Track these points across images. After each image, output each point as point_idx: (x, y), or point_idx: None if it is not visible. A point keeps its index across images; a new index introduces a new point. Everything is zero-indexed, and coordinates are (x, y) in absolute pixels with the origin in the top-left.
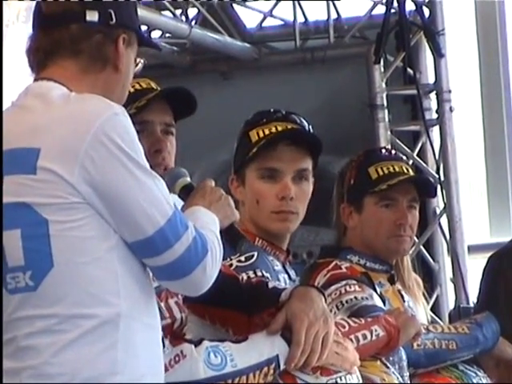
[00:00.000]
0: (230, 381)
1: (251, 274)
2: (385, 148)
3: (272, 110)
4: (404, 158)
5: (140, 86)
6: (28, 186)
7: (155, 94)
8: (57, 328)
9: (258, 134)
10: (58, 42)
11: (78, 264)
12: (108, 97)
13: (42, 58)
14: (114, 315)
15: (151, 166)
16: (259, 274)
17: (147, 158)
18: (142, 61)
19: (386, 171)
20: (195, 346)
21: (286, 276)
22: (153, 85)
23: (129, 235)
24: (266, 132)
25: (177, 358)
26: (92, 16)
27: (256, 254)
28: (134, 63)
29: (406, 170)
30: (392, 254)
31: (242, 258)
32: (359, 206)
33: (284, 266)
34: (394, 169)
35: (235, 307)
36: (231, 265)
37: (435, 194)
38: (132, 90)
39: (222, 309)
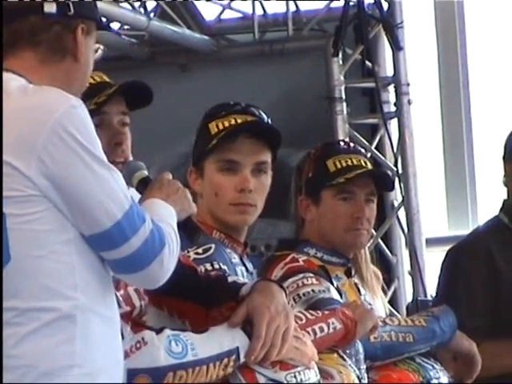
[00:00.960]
0: (190, 369)
1: (208, 266)
2: (343, 141)
3: (231, 102)
4: (362, 150)
5: (94, 80)
6: None
7: (115, 89)
8: (15, 320)
9: (217, 126)
10: (16, 34)
11: (34, 257)
12: (69, 86)
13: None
14: (71, 308)
15: (111, 159)
16: (216, 266)
17: (106, 151)
18: (102, 47)
19: (344, 164)
20: (156, 334)
21: (243, 269)
22: (106, 78)
23: (86, 228)
24: (226, 124)
25: (138, 345)
26: (50, 7)
27: (213, 246)
28: (94, 50)
29: (364, 164)
30: (349, 248)
31: (200, 251)
32: (317, 198)
33: (241, 259)
34: (352, 162)
35: (193, 299)
36: (188, 257)
37: (393, 188)
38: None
39: (179, 300)
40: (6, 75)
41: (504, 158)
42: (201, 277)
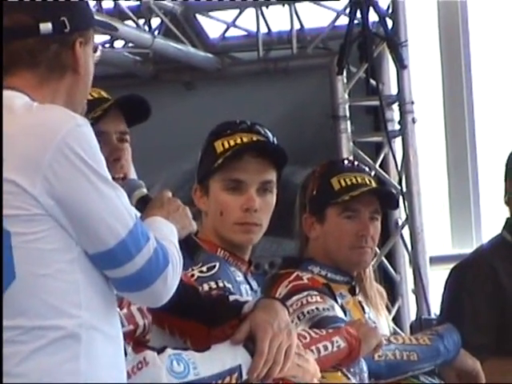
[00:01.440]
0: None
1: (213, 284)
2: (347, 159)
3: (237, 120)
4: (367, 169)
5: (92, 96)
6: None
7: (110, 103)
8: (19, 339)
9: (223, 144)
10: (14, 55)
11: (39, 276)
12: (72, 99)
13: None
14: (76, 327)
15: (112, 177)
16: (221, 284)
17: (107, 168)
18: (100, 47)
19: (349, 182)
20: (158, 354)
21: (247, 287)
22: (104, 94)
23: (90, 247)
24: (232, 143)
25: (139, 365)
26: (46, 27)
27: (218, 264)
28: (93, 52)
29: (368, 182)
30: (353, 266)
31: (204, 269)
32: (321, 216)
33: (246, 277)
34: (356, 180)
35: (195, 318)
36: (193, 275)
37: (397, 206)
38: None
39: (181, 319)
40: (9, 93)
41: (505, 176)
42: (202, 295)
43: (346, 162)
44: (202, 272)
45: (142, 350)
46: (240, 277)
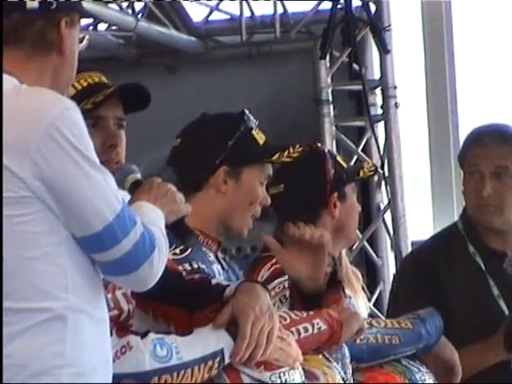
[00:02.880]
0: (175, 373)
1: (187, 266)
2: None
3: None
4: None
5: (92, 80)
6: None
7: (113, 90)
8: (6, 320)
9: (261, 137)
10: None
11: (26, 259)
12: (57, 80)
13: None
14: (62, 309)
15: (105, 161)
16: (195, 266)
17: (100, 153)
18: (87, 36)
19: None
20: (141, 338)
21: (219, 267)
22: (104, 79)
23: (77, 230)
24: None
25: (123, 350)
26: (32, 3)
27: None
28: (79, 41)
29: None
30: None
31: (177, 251)
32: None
33: (217, 257)
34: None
35: (178, 303)
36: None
37: None
38: (85, 84)
39: (164, 304)
40: None
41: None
42: (186, 280)
43: None
44: (175, 254)
45: (125, 334)
46: (211, 256)
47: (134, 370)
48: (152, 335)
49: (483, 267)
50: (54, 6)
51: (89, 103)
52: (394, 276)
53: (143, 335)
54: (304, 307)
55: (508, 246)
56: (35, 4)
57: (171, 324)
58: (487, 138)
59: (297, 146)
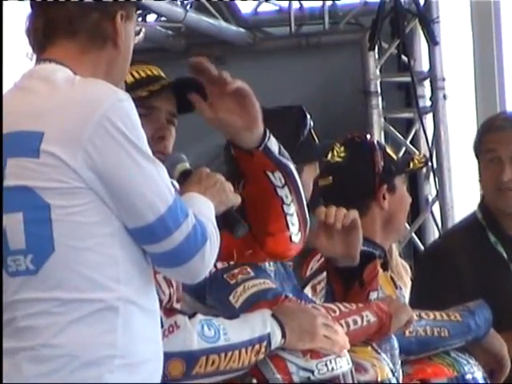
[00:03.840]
0: (222, 354)
1: None
2: None
3: None
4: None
5: (151, 72)
6: (31, 169)
7: (170, 81)
8: (56, 310)
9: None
10: (54, 22)
11: (78, 249)
12: (111, 73)
13: (40, 38)
14: (113, 300)
15: (153, 152)
16: None
17: (149, 144)
18: (144, 29)
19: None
20: (189, 318)
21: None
22: (162, 73)
23: (129, 221)
24: None
25: (171, 329)
26: None
27: None
28: (135, 33)
29: None
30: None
31: None
32: (392, 187)
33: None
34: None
35: None
36: None
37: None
38: (143, 74)
39: None
40: (50, 66)
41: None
42: None
43: None
44: None
45: (173, 314)
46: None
47: (182, 349)
48: (200, 316)
49: (505, 256)
50: None
51: (144, 90)
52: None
53: (191, 316)
54: (340, 281)
55: None
56: None
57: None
58: (502, 123)
59: (339, 146)
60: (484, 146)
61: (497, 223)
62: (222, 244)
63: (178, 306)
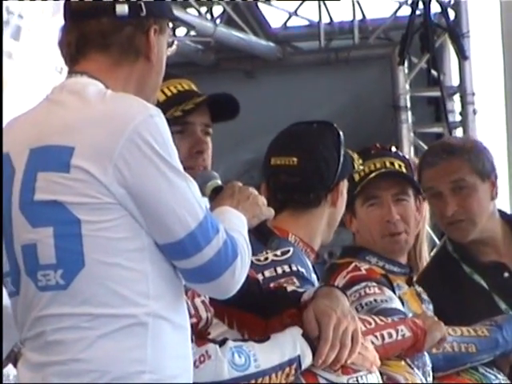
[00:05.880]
0: (253, 381)
1: (286, 268)
2: (375, 146)
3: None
4: (394, 152)
5: (182, 87)
6: (61, 184)
7: (204, 99)
8: (85, 325)
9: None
10: (87, 36)
11: (108, 264)
12: (143, 87)
13: (73, 51)
14: (143, 315)
15: (191, 167)
16: (294, 268)
17: (187, 159)
18: (176, 41)
19: (367, 170)
20: (219, 346)
21: (314, 276)
22: (194, 87)
23: (159, 237)
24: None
25: (202, 358)
26: (122, 9)
27: (291, 249)
28: (168, 45)
29: (389, 165)
30: (390, 254)
31: (278, 253)
32: (353, 210)
33: (313, 266)
34: (374, 166)
35: (254, 310)
36: (266, 258)
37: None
38: (175, 90)
39: (240, 311)
40: (82, 79)
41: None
42: (263, 288)
43: (372, 150)
44: (276, 256)
45: (204, 343)
46: (309, 265)
47: (213, 379)
48: (230, 343)
49: (484, 284)
50: (144, 12)
51: (178, 110)
52: None
53: (221, 343)
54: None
55: (500, 252)
56: (125, 9)
57: (245, 332)
58: (434, 157)
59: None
60: (423, 184)
61: (467, 253)
62: None
63: (209, 330)
